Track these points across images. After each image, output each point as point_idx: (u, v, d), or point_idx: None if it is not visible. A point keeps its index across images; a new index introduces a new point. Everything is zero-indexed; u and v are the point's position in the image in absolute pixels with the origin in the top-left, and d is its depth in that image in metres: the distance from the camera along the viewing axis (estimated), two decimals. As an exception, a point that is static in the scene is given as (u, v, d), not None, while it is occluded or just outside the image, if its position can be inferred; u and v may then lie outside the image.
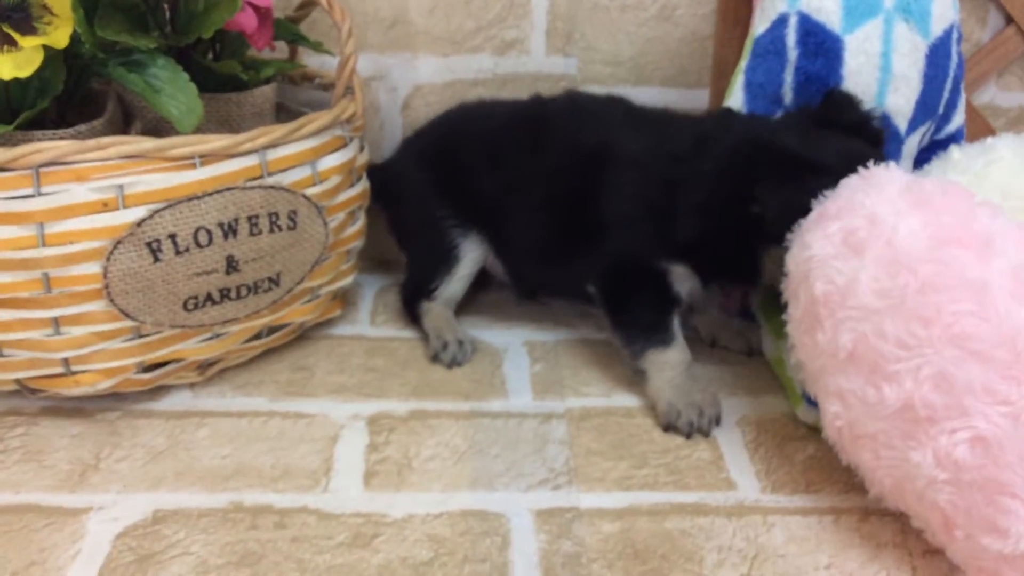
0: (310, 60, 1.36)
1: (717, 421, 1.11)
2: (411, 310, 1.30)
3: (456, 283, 1.29)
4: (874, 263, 0.87)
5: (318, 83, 1.33)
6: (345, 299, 1.33)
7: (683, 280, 1.15)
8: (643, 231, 1.15)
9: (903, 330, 0.83)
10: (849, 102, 1.13)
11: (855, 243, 0.90)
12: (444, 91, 1.44)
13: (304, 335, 1.26)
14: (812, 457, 1.05)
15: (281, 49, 1.33)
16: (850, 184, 0.97)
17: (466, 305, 1.35)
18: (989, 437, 0.78)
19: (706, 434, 1.09)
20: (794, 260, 0.98)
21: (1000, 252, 0.83)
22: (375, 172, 1.31)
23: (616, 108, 1.27)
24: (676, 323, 1.16)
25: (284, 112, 1.29)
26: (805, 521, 0.95)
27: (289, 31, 1.23)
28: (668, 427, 1.10)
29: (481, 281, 1.36)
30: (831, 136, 1.07)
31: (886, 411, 0.84)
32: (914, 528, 0.90)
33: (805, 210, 0.98)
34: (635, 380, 1.18)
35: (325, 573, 0.87)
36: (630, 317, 1.18)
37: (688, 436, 1.09)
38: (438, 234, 1.28)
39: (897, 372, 0.83)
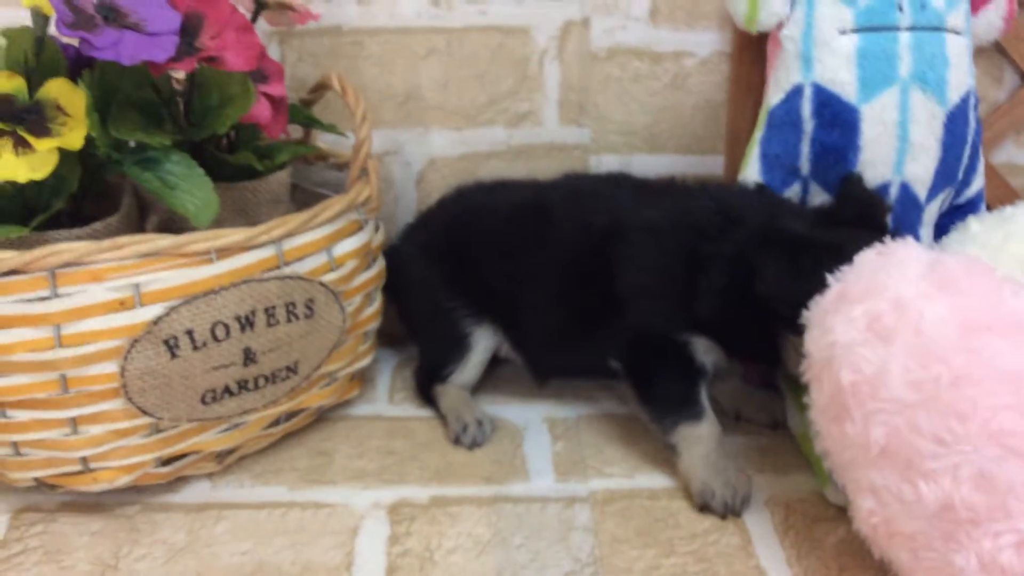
0: (323, 138, 1.36)
1: (747, 500, 1.09)
2: (425, 394, 1.29)
3: (470, 370, 1.29)
4: (904, 353, 0.84)
5: (332, 163, 1.33)
6: (363, 378, 1.32)
7: (706, 352, 1.14)
8: (664, 303, 1.14)
9: (939, 425, 0.80)
10: (860, 192, 1.14)
11: (881, 330, 0.87)
12: (458, 164, 1.44)
13: (322, 417, 1.25)
14: (844, 540, 1.02)
15: (295, 129, 1.33)
16: (869, 262, 0.95)
17: (483, 381, 1.34)
18: None
19: (738, 514, 1.07)
20: (815, 343, 0.95)
21: None
22: None
23: (620, 183, 1.27)
24: (704, 395, 1.15)
25: (299, 192, 1.29)
26: (839, 613, 0.93)
27: (302, 115, 1.23)
28: (703, 507, 1.08)
29: (497, 357, 1.34)
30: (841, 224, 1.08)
31: (925, 511, 0.81)
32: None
33: (807, 289, 0.97)
34: (659, 458, 1.17)
35: None
36: (657, 391, 1.16)
37: (723, 517, 1.07)
38: (449, 324, 1.27)
39: (934, 470, 0.80)
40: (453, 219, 1.33)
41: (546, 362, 1.31)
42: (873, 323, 0.88)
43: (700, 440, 1.12)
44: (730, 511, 1.07)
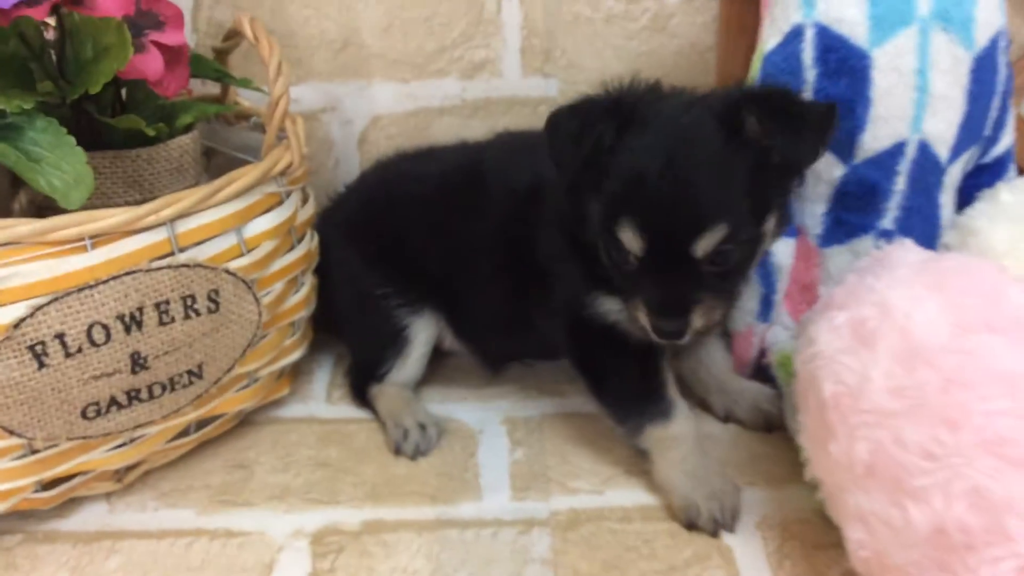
0: (249, 94, 1.17)
1: (737, 513, 0.94)
2: (361, 396, 1.12)
3: (410, 367, 1.12)
4: (888, 357, 0.75)
5: (255, 122, 1.15)
6: (295, 373, 1.15)
7: (617, 311, 0.97)
8: (574, 267, 0.99)
9: (926, 436, 0.71)
10: None
11: (865, 335, 0.79)
12: (406, 121, 1.26)
13: (246, 419, 1.09)
14: (850, 573, 0.86)
15: (212, 83, 1.15)
16: (859, 267, 0.87)
17: (431, 373, 1.17)
18: None
19: (730, 529, 0.92)
20: (800, 359, 0.86)
21: None
22: None
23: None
24: (672, 385, 0.99)
25: (217, 158, 1.11)
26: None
27: (211, 68, 1.05)
28: (691, 526, 0.93)
29: (439, 350, 1.18)
30: None
31: (915, 537, 0.72)
32: None
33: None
34: (634, 467, 1.01)
35: None
36: (614, 386, 1.01)
37: (714, 534, 0.92)
38: (382, 315, 1.10)
39: (924, 488, 0.71)
40: (375, 193, 1.16)
41: (495, 349, 1.15)
42: (857, 329, 0.80)
43: (674, 442, 0.97)
44: (720, 527, 0.92)
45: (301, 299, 1.07)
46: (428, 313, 1.11)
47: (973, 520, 0.68)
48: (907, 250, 0.87)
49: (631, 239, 0.86)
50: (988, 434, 0.69)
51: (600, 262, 0.93)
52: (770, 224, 0.90)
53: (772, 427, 1.06)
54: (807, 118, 0.87)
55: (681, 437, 0.97)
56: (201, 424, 1.01)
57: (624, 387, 0.99)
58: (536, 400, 1.14)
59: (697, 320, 0.88)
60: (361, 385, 1.12)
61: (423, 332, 1.11)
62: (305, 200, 1.07)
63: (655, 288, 0.88)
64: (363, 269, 1.11)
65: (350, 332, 1.18)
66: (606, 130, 0.87)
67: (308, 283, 1.09)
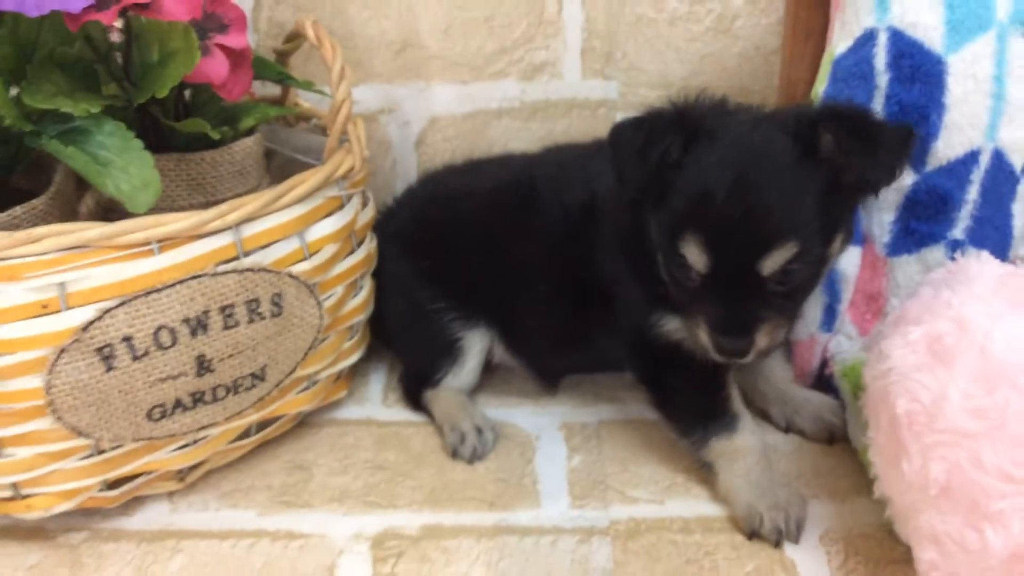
0: (309, 96, 1.17)
1: (802, 524, 0.92)
2: (415, 401, 1.12)
3: (466, 375, 1.12)
4: (965, 376, 0.74)
5: (316, 124, 1.15)
6: (352, 375, 1.15)
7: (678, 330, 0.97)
8: (635, 285, 0.98)
9: (1006, 458, 0.70)
10: None
11: (942, 351, 0.77)
12: (464, 123, 1.25)
13: (304, 421, 1.09)
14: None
15: (274, 85, 1.15)
16: (934, 280, 0.86)
17: (488, 378, 1.17)
18: None
19: (795, 540, 0.91)
20: (871, 373, 0.84)
21: None
22: None
23: (599, 151, 1.05)
24: (736, 398, 0.98)
25: (277, 160, 1.11)
26: None
27: (273, 70, 1.05)
28: (752, 535, 0.92)
29: (489, 363, 1.17)
30: None
31: (991, 561, 0.72)
32: None
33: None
34: (694, 476, 1.00)
35: None
36: (678, 401, 1.01)
37: (777, 544, 0.90)
38: (435, 327, 1.10)
39: (1002, 511, 0.70)
40: (426, 210, 1.16)
41: (549, 364, 1.14)
42: (933, 344, 0.78)
43: (738, 454, 0.96)
44: (784, 537, 0.91)
45: (360, 303, 1.07)
46: (482, 326, 1.11)
47: None
48: (984, 263, 0.85)
49: (696, 255, 0.85)
50: None
51: (661, 280, 0.92)
52: (837, 243, 0.89)
53: (835, 439, 1.04)
54: (885, 139, 0.85)
55: (746, 449, 0.95)
56: (262, 425, 1.02)
57: (689, 402, 0.99)
58: (593, 406, 1.13)
59: (761, 340, 0.87)
60: (415, 390, 1.12)
61: (478, 344, 1.11)
62: (365, 203, 1.07)
63: (718, 306, 0.87)
64: (417, 283, 1.11)
65: (403, 342, 1.17)
66: (673, 144, 0.86)
67: (367, 287, 1.09)
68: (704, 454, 0.97)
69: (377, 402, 1.15)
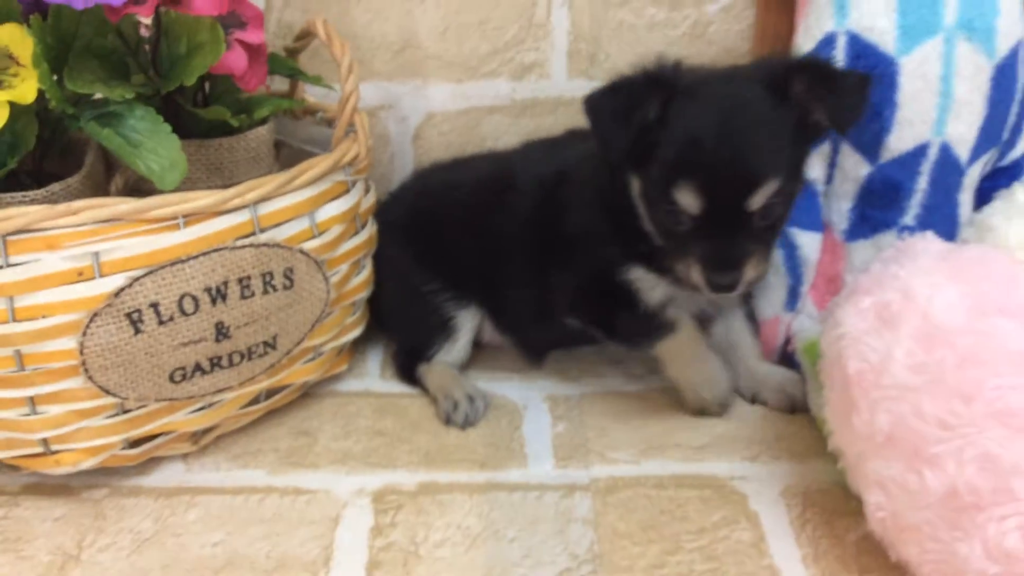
0: (314, 91, 1.26)
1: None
2: (409, 375, 1.20)
3: (458, 351, 1.21)
4: (909, 337, 0.82)
5: (321, 117, 1.23)
6: (352, 351, 1.23)
7: (652, 288, 1.08)
8: (600, 239, 1.07)
9: (943, 408, 0.78)
10: None
11: (888, 317, 0.85)
12: (458, 119, 1.34)
13: (307, 392, 1.17)
14: (865, 538, 0.93)
15: (282, 81, 1.24)
16: (883, 257, 0.95)
17: (478, 355, 1.26)
18: None
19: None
20: (826, 340, 0.93)
21: None
22: None
23: (576, 135, 1.20)
24: (673, 310, 1.11)
25: (285, 149, 1.20)
26: (857, 621, 0.85)
27: (286, 66, 1.13)
28: (700, 412, 1.13)
29: (479, 343, 1.27)
30: None
31: (929, 499, 0.78)
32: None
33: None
34: (668, 441, 1.09)
35: None
36: (629, 328, 1.13)
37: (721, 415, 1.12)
38: (429, 307, 1.19)
39: (938, 455, 0.77)
40: (417, 200, 1.26)
41: (534, 338, 1.23)
42: (881, 311, 0.86)
43: (680, 348, 1.11)
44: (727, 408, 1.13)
45: (362, 281, 1.15)
46: (473, 306, 1.20)
47: (982, 482, 0.74)
48: (928, 241, 0.94)
49: (690, 200, 0.93)
50: (999, 406, 0.75)
51: (638, 235, 1.02)
52: (801, 180, 1.00)
53: (795, 409, 1.14)
54: (849, 82, 0.96)
55: (688, 339, 1.10)
56: (270, 393, 1.10)
57: (637, 327, 1.11)
58: (576, 380, 1.22)
59: (749, 272, 0.96)
60: (409, 365, 1.20)
61: (469, 322, 1.20)
62: (367, 190, 1.15)
63: (709, 244, 0.96)
64: (411, 266, 1.20)
65: (398, 321, 1.25)
66: (652, 104, 0.94)
67: (368, 267, 1.17)
68: (654, 353, 1.11)
69: (375, 376, 1.23)
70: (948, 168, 1.10)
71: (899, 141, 1.09)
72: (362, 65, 1.28)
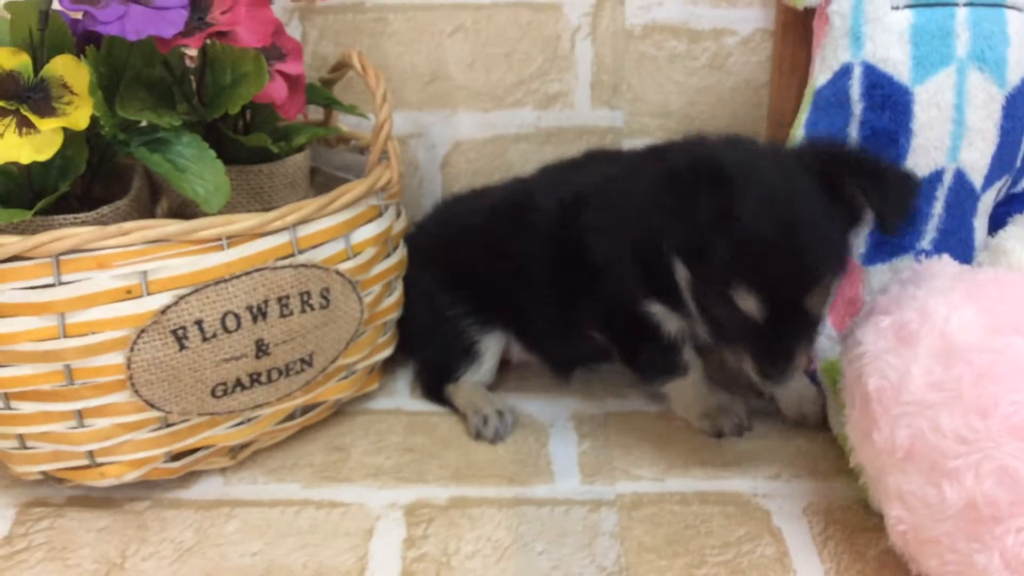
0: (347, 120, 1.30)
1: (743, 420, 1.17)
2: (437, 395, 1.24)
3: (483, 373, 1.24)
4: (927, 356, 0.85)
5: (354, 145, 1.28)
6: (383, 370, 1.27)
7: (669, 321, 1.10)
8: (623, 272, 1.09)
9: (960, 424, 0.80)
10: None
11: (907, 336, 0.87)
12: (485, 147, 1.38)
13: (340, 410, 1.21)
14: (886, 552, 0.95)
15: (316, 110, 1.28)
16: (902, 279, 0.97)
17: (505, 375, 1.29)
18: None
19: (744, 431, 1.16)
20: (847, 359, 0.96)
21: None
22: None
23: (594, 157, 1.24)
24: (689, 352, 1.15)
25: (319, 176, 1.24)
26: (880, 634, 0.87)
27: (322, 95, 1.18)
28: (718, 434, 1.16)
29: (509, 362, 1.31)
30: None
31: (948, 511, 0.80)
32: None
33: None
34: (692, 459, 1.12)
35: None
36: (645, 360, 1.17)
37: (740, 432, 1.16)
38: (454, 332, 1.22)
39: (957, 469, 0.79)
40: (440, 229, 1.30)
41: (562, 355, 1.26)
42: (900, 331, 0.88)
43: (687, 387, 1.16)
44: (738, 430, 1.16)
45: (394, 302, 1.19)
46: (497, 329, 1.23)
47: (1000, 495, 0.76)
48: (945, 264, 0.97)
49: (751, 304, 0.92)
50: (1016, 421, 0.76)
51: (662, 282, 1.03)
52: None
53: (808, 424, 1.16)
54: (899, 186, 0.97)
55: (692, 383, 1.16)
56: (305, 410, 1.13)
57: (654, 360, 1.15)
58: (601, 400, 1.25)
59: (799, 361, 0.97)
60: (437, 385, 1.23)
61: (493, 346, 1.23)
62: (399, 214, 1.19)
63: (762, 339, 0.95)
64: (436, 292, 1.23)
65: (423, 346, 1.28)
66: (705, 202, 0.91)
67: (399, 288, 1.21)
68: (661, 390, 1.18)
69: (405, 395, 1.26)
70: (963, 193, 1.13)
71: (915, 167, 1.12)
72: (393, 95, 1.32)
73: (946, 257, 0.99)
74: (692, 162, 0.95)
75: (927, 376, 0.83)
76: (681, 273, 1.00)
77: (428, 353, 1.28)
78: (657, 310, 1.09)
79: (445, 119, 1.36)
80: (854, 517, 1.02)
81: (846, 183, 0.94)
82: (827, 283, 0.95)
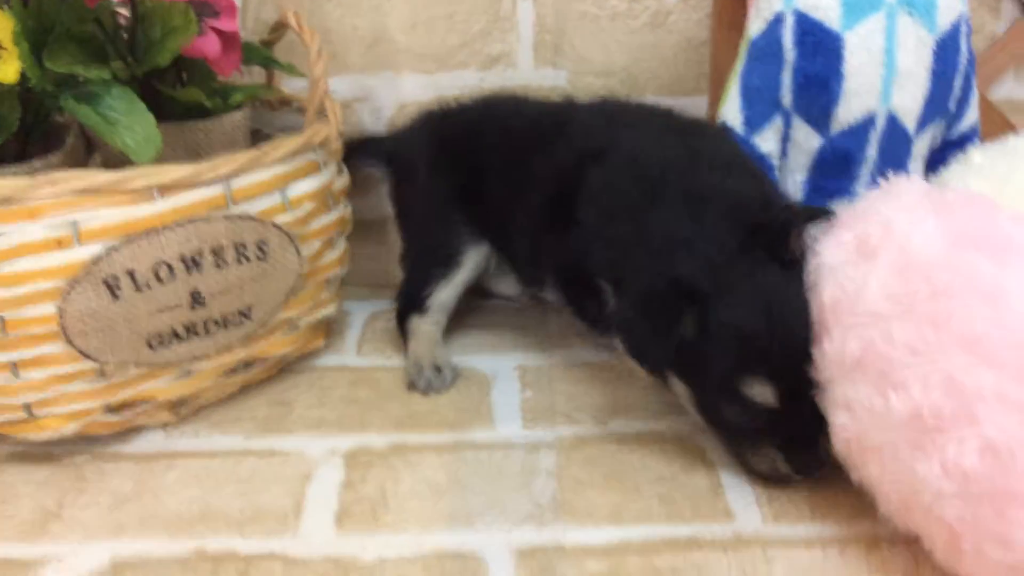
0: (290, 85, 1.31)
1: None
2: (402, 324, 1.25)
3: (452, 289, 1.25)
4: (886, 269, 0.85)
5: (296, 107, 1.29)
6: (329, 330, 1.28)
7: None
8: (596, 242, 1.09)
9: (913, 335, 0.80)
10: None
11: (867, 250, 0.87)
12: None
13: (286, 368, 1.21)
14: (819, 481, 0.97)
15: (260, 76, 1.29)
16: (868, 195, 0.96)
17: (457, 329, 1.30)
18: (1000, 445, 0.72)
19: None
20: (806, 271, 0.95)
21: (1020, 257, 0.80)
22: (383, 142, 1.33)
23: (647, 114, 1.21)
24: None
25: (261, 138, 1.24)
26: (808, 554, 0.88)
27: (260, 55, 1.19)
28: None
29: (476, 299, 1.32)
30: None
31: (893, 420, 0.80)
32: (927, 556, 0.83)
33: None
34: (635, 404, 1.13)
35: (286, 625, 0.81)
36: (593, 314, 1.15)
37: None
38: (447, 238, 1.24)
39: (905, 379, 0.79)
40: (474, 130, 1.27)
41: (532, 277, 1.27)
42: (861, 245, 0.88)
43: None
44: None
45: (335, 258, 1.19)
46: (485, 243, 1.25)
47: (945, 405, 0.76)
48: (913, 181, 0.96)
49: (764, 393, 0.92)
50: (967, 334, 0.76)
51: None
52: None
53: None
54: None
55: None
56: (248, 365, 1.14)
57: (599, 315, 1.13)
58: (547, 352, 1.26)
59: (826, 444, 0.91)
60: (404, 312, 1.25)
61: (474, 259, 1.25)
62: (340, 172, 1.20)
63: (786, 431, 0.93)
64: (447, 195, 1.25)
65: (410, 252, 1.30)
66: (690, 316, 0.92)
67: (342, 246, 1.21)
68: (609, 342, 1.14)
69: (352, 353, 1.27)
70: (896, 137, 1.15)
71: (847, 112, 1.13)
72: (336, 59, 1.34)
73: (915, 176, 0.98)
74: (662, 283, 0.95)
75: (884, 289, 0.84)
76: (677, 387, 1.00)
77: (410, 261, 1.30)
78: (608, 288, 1.10)
79: (389, 82, 1.37)
80: (790, 452, 1.03)
81: (795, 247, 0.95)
82: None
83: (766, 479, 0.97)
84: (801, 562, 0.87)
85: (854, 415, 0.85)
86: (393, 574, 0.87)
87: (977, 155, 1.16)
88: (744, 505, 0.94)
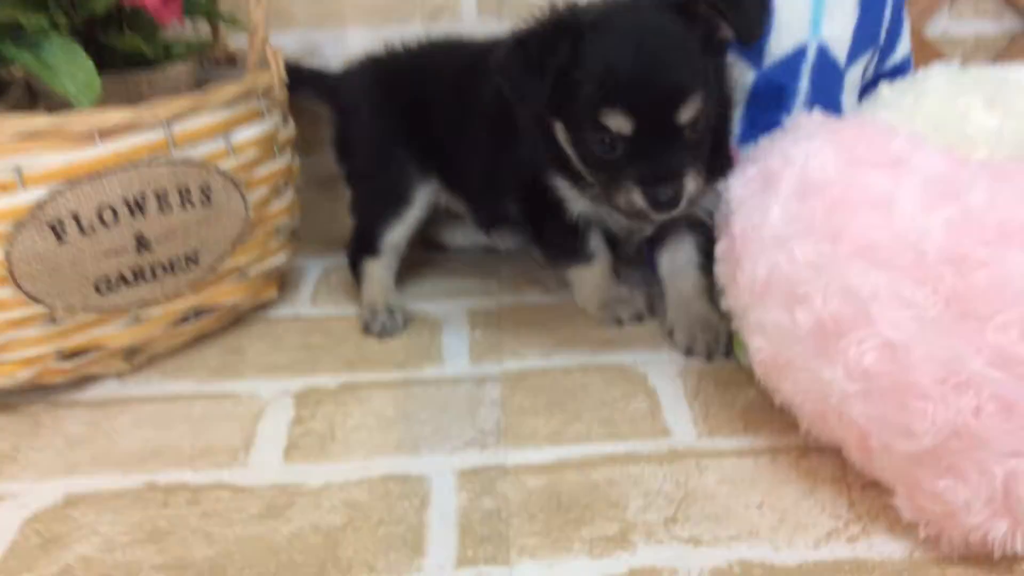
0: (238, 41, 1.32)
1: (641, 310, 1.20)
2: (355, 268, 1.27)
3: (404, 227, 1.26)
4: (787, 195, 0.88)
5: (243, 65, 1.30)
6: (283, 282, 1.29)
7: (575, 200, 1.13)
8: (532, 143, 1.12)
9: (812, 251, 0.83)
10: None
11: (770, 180, 0.91)
12: (376, 62, 1.41)
13: (239, 320, 1.23)
14: (752, 401, 1.00)
15: (206, 33, 1.31)
16: (775, 135, 1.00)
17: (411, 278, 1.33)
18: (896, 342, 0.75)
19: (642, 319, 1.20)
20: (719, 210, 0.99)
21: (912, 170, 0.83)
22: (326, 79, 1.34)
23: None
24: (595, 240, 1.19)
25: (210, 93, 1.26)
26: (740, 463, 0.91)
27: (201, 6, 1.20)
28: (618, 322, 1.19)
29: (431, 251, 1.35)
30: None
31: (800, 333, 0.83)
32: (853, 462, 0.85)
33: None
34: (579, 339, 1.15)
35: (233, 545, 0.83)
36: (552, 242, 1.22)
37: (640, 319, 1.19)
38: (395, 175, 1.26)
39: (807, 294, 0.82)
40: (419, 67, 1.29)
41: (485, 213, 1.30)
42: (765, 177, 0.92)
43: (590, 277, 1.20)
44: (634, 319, 1.19)
45: (284, 207, 1.21)
46: (433, 180, 1.27)
47: (844, 312, 0.79)
48: (812, 117, 0.99)
49: (619, 121, 0.96)
50: (861, 242, 0.80)
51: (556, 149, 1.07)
52: (715, 94, 1.03)
53: (696, 351, 1.11)
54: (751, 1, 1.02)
55: (596, 272, 1.20)
56: (199, 313, 1.16)
57: (559, 244, 1.20)
58: (497, 296, 1.28)
59: (689, 184, 0.98)
60: (357, 255, 1.27)
61: (424, 197, 1.27)
62: (285, 121, 1.22)
63: (644, 163, 0.98)
64: (393, 134, 1.27)
65: (361, 193, 1.32)
66: (562, 48, 0.97)
67: (290, 196, 1.23)
68: (565, 275, 1.22)
69: (307, 303, 1.29)
70: (827, 69, 1.17)
71: (778, 45, 1.15)
72: (281, 14, 1.35)
73: (816, 112, 1.01)
74: (533, 27, 1.00)
75: (785, 213, 0.87)
76: (559, 131, 1.04)
77: (362, 201, 1.31)
78: (561, 185, 1.12)
79: (335, 36, 1.39)
80: (725, 375, 1.06)
81: (698, 5, 0.98)
82: (697, 99, 0.97)
83: (627, 216, 1.04)
84: (733, 470, 0.90)
85: (767, 336, 0.88)
86: (338, 497, 0.89)
87: (886, 89, 1.18)
88: (681, 424, 0.97)
